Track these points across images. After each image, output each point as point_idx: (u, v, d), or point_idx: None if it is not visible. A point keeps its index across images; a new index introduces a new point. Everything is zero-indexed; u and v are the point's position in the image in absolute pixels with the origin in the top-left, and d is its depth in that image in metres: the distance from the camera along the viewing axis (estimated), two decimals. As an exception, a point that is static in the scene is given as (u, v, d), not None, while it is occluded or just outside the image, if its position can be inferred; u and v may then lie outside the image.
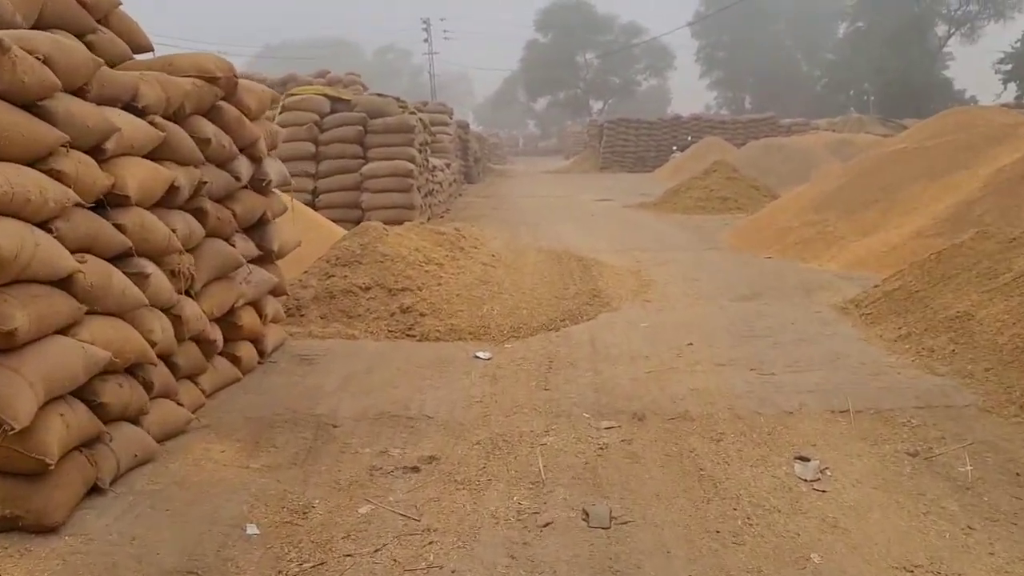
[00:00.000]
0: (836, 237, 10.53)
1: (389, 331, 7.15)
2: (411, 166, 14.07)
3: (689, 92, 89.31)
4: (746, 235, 12.47)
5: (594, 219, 16.73)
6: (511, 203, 21.63)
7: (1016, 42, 56.78)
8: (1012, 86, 57.23)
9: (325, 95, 14.77)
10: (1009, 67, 56.93)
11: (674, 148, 37.25)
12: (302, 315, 7.39)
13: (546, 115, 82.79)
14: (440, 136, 24.80)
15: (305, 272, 7.86)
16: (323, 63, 32.86)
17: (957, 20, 61.19)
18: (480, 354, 6.53)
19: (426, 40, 63.92)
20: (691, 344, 6.69)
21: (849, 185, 11.50)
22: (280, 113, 14.53)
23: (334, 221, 13.54)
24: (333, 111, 14.55)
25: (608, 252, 11.58)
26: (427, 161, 16.53)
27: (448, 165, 21.19)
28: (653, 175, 32.74)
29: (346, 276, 7.61)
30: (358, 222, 14.34)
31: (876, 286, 7.70)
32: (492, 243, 10.20)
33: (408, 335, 7.09)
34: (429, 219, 16.43)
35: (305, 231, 9.29)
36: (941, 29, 62.24)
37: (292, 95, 14.72)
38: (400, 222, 11.92)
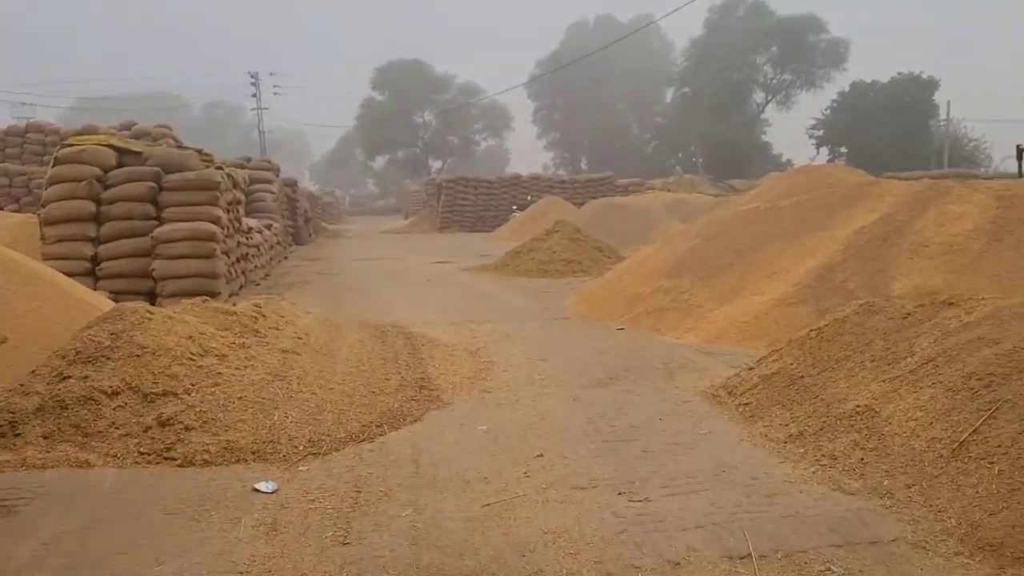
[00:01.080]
0: (693, 305, 9.52)
1: (140, 453, 5.28)
2: (214, 228, 12.12)
3: (527, 152, 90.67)
4: (594, 302, 11.33)
5: (429, 285, 15.24)
6: (340, 267, 19.83)
7: (826, 109, 61.03)
8: (824, 150, 61.31)
9: (111, 146, 12.60)
10: (820, 132, 61.01)
11: (514, 207, 36.62)
12: (17, 435, 5.38)
13: (385, 174, 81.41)
14: (261, 194, 22.74)
15: (32, 372, 5.86)
16: (144, 117, 30.11)
17: (773, 88, 65.19)
18: (261, 486, 4.80)
19: (255, 95, 61.13)
20: (541, 456, 5.24)
21: (702, 248, 10.61)
22: (52, 167, 12.25)
23: (119, 295, 11.39)
24: (120, 164, 12.43)
25: (443, 325, 10.08)
26: (238, 222, 14.56)
27: (269, 226, 19.19)
28: (493, 235, 31.80)
29: (87, 377, 5.67)
30: (152, 295, 12.28)
31: (751, 368, 6.57)
32: (302, 320, 8.46)
33: (166, 458, 5.24)
34: (242, 287, 14.41)
35: (51, 312, 7.24)
36: (759, 96, 66.09)
37: (68, 145, 12.46)
38: (201, 294, 9.98)
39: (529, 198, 36.56)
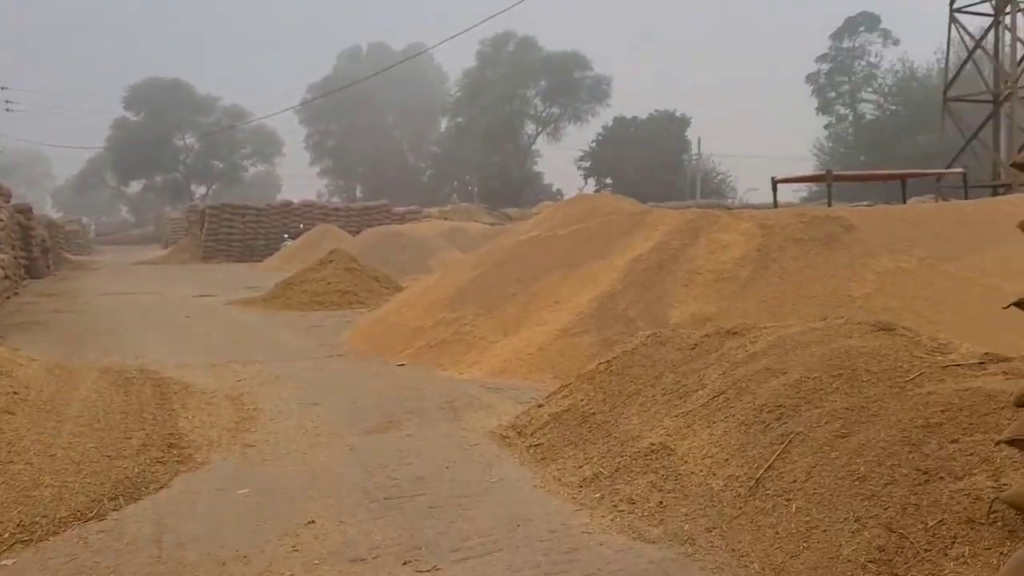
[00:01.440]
0: (476, 337, 9.13)
1: None
2: (-86, 260, 10.16)
3: (300, 179, 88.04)
4: (372, 336, 10.67)
5: (189, 322, 13.83)
6: (84, 303, 17.68)
7: (592, 142, 64.40)
8: (591, 180, 64.54)
9: None
10: (588, 164, 64.21)
11: (285, 236, 35.04)
12: None
13: (141, 200, 75.64)
14: (-13, 221, 19.93)
15: None
16: None
17: (543, 121, 67.83)
18: (-58, 596, 3.72)
19: (-21, 111, 54.45)
20: (313, 522, 4.54)
21: (484, 278, 10.29)
22: None
23: None
24: None
25: (201, 368, 8.99)
26: (-49, 253, 12.43)
27: (-5, 257, 16.76)
28: (263, 265, 30.14)
29: None
30: None
31: (540, 405, 6.22)
32: (23, 369, 7.11)
33: None
34: (-44, 329, 12.29)
35: None
36: (530, 128, 68.49)
37: None
38: None
39: (301, 226, 35.16)
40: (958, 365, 4.58)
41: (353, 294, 15.72)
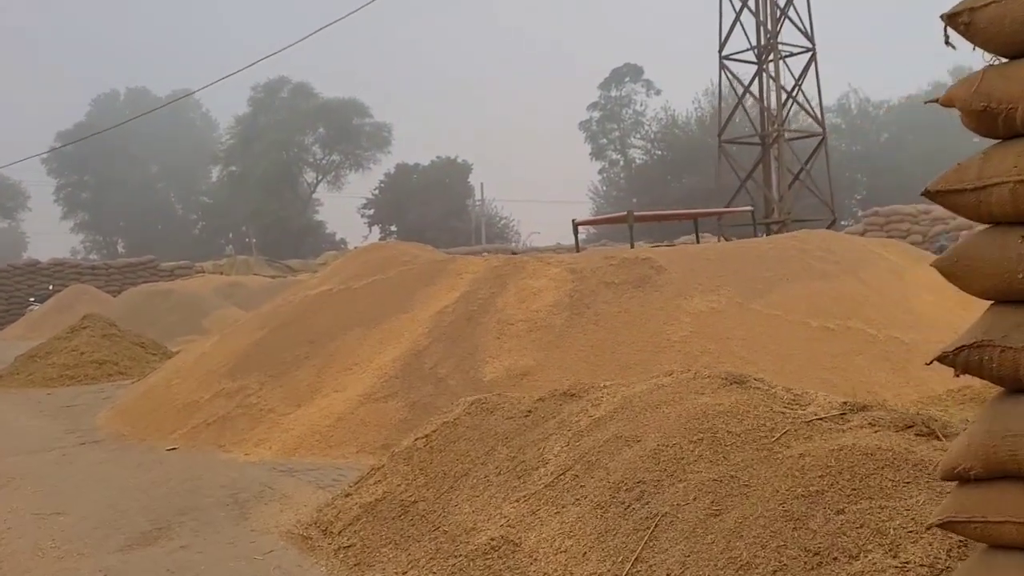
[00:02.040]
0: (263, 410, 7.92)
1: None
2: None
3: (50, 235, 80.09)
4: (136, 415, 9.09)
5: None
6: None
7: (375, 189, 63.49)
8: (376, 228, 63.53)
9: None
10: (372, 212, 63.17)
11: (31, 299, 31.09)
12: None
13: None
14: None
15: None
16: None
17: (323, 168, 66.13)
18: None
19: None
20: None
21: (270, 339, 9.08)
22: None
23: None
24: None
25: (-96, 476, 7.10)
26: None
27: None
28: (4, 334, 26.42)
29: None
30: None
31: (348, 494, 5.21)
32: None
33: None
34: None
35: None
36: (310, 176, 66.52)
37: None
38: None
39: (51, 287, 31.35)
40: (821, 419, 4.15)
41: (112, 364, 13.74)
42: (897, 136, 54.47)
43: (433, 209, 61.14)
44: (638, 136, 61.88)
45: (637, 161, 61.29)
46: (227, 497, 6.04)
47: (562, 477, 4.15)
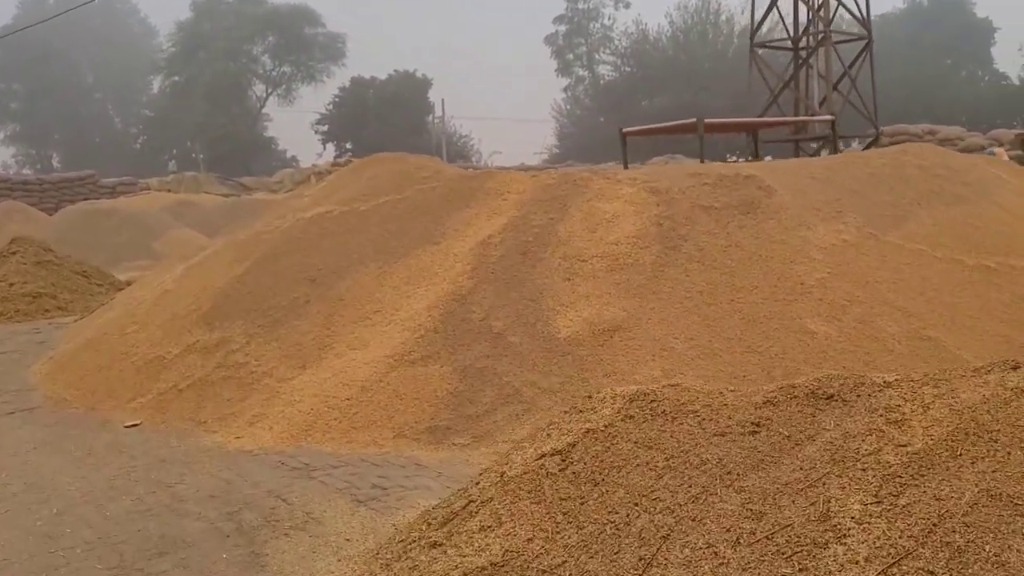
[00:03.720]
0: (257, 373, 5.96)
1: None
2: None
3: (-21, 148, 75.32)
4: (82, 372, 7.05)
5: None
6: None
7: (329, 105, 59.94)
8: (331, 145, 60.29)
9: None
10: (326, 128, 59.79)
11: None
12: None
13: None
14: None
15: None
16: None
17: (274, 81, 62.24)
18: None
19: None
20: None
21: (254, 277, 7.03)
22: None
23: None
24: None
25: None
26: None
27: None
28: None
29: None
30: None
31: (431, 541, 3.33)
32: None
33: None
34: None
35: None
36: (260, 89, 62.64)
37: None
38: None
39: (-21, 205, 28.30)
40: None
41: (49, 297, 11.52)
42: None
43: (391, 126, 58.05)
44: (607, 51, 59.18)
45: (606, 78, 58.73)
46: (223, 518, 4.14)
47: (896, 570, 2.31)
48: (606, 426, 3.17)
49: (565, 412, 3.44)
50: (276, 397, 5.69)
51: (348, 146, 60.49)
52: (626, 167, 11.94)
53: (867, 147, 13.64)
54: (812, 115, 13.20)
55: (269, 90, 62.80)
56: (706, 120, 9.95)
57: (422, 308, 6.02)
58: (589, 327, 5.53)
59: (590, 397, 3.40)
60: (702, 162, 10.03)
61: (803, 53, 14.09)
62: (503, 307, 5.85)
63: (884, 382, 2.79)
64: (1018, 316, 5.72)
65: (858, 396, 2.78)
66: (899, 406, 2.65)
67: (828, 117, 12.17)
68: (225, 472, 4.82)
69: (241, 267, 7.31)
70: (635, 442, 3.03)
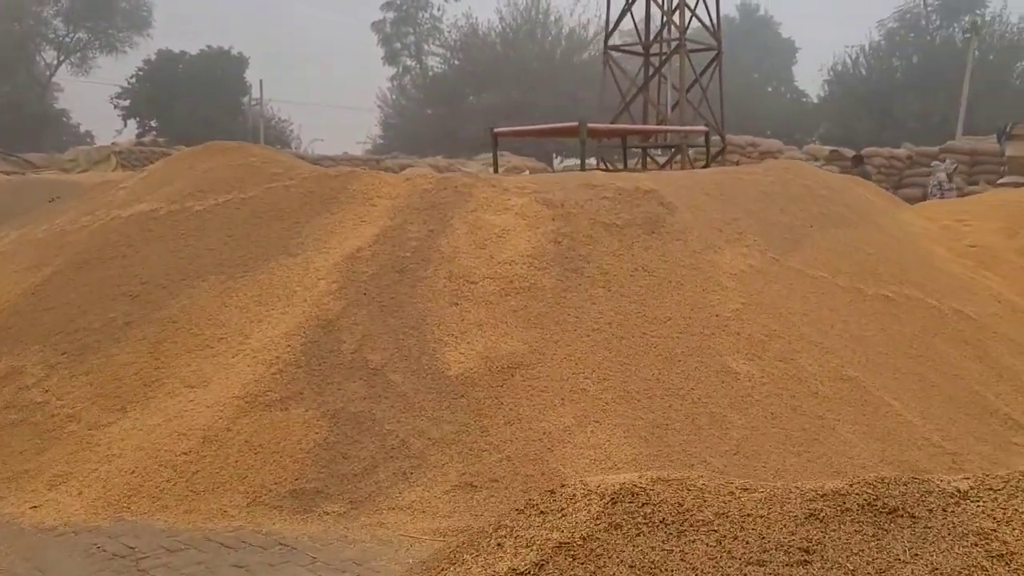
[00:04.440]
0: (61, 418, 4.69)
1: None
2: None
3: None
4: None
5: None
6: None
7: (131, 78, 55.12)
8: (132, 122, 55.51)
9: None
10: (127, 103, 54.98)
11: None
12: None
13: None
14: None
15: None
16: None
17: (66, 47, 56.47)
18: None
19: None
20: None
21: (57, 288, 5.64)
22: None
23: None
24: None
25: None
26: None
27: None
28: None
29: None
30: None
31: None
32: None
33: None
34: None
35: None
36: (49, 55, 56.66)
37: None
38: None
39: None
40: None
41: None
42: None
43: (203, 105, 54.26)
44: (436, 43, 58.29)
45: (437, 69, 57.85)
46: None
47: None
48: (584, 538, 2.38)
49: (518, 511, 2.61)
50: (88, 450, 4.46)
51: (153, 124, 56.03)
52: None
53: (714, 157, 13.63)
54: (663, 123, 13.06)
55: (61, 57, 56.95)
56: (589, 125, 9.38)
57: (278, 335, 4.97)
58: (485, 363, 4.72)
59: (552, 492, 2.59)
60: (583, 169, 9.44)
61: (655, 60, 13.94)
62: (380, 336, 4.92)
63: (958, 491, 2.19)
64: (924, 352, 5.49)
65: (929, 511, 2.16)
66: (993, 530, 2.04)
67: (701, 128, 12.01)
68: (17, 564, 3.61)
69: (39, 275, 5.88)
70: (631, 566, 2.26)
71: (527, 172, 34.35)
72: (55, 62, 57.21)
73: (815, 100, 54.26)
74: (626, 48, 14.26)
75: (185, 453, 4.33)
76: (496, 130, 10.41)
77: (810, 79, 73.68)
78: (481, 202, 5.88)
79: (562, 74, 54.24)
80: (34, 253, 6.28)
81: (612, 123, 13.26)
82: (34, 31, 54.49)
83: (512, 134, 12.33)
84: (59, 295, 5.62)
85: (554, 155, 55.40)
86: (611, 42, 14.52)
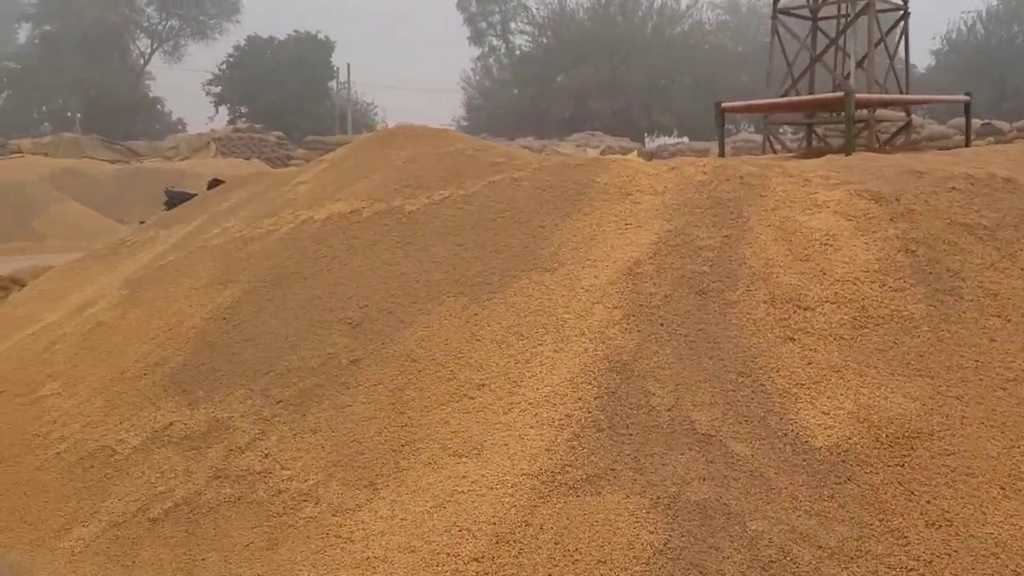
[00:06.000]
0: (291, 495, 3.55)
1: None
2: None
3: None
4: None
5: None
6: None
7: (222, 64, 55.33)
8: (223, 109, 55.79)
9: None
10: (218, 89, 55.23)
11: None
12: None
13: None
14: None
15: None
16: None
17: (159, 35, 57.02)
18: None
19: None
20: None
21: (254, 310, 4.53)
22: None
23: None
24: None
25: None
26: None
27: None
28: None
29: None
30: None
31: None
32: None
33: None
34: None
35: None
36: (143, 44, 57.31)
37: None
38: None
39: None
40: None
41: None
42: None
43: (290, 91, 54.11)
44: (523, 21, 56.82)
45: (524, 48, 56.45)
46: None
47: None
48: None
49: None
50: (337, 547, 3.31)
51: (243, 109, 56.25)
52: (722, 153, 9.83)
53: (895, 135, 11.96)
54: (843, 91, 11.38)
55: (154, 45, 57.56)
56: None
57: (560, 382, 3.73)
58: (865, 429, 3.39)
59: None
60: (856, 151, 7.91)
61: (823, 24, 12.30)
62: (700, 386, 3.64)
63: None
64: None
65: None
66: None
67: (962, 97, 10.37)
68: None
69: (226, 294, 4.78)
70: None
71: (634, 154, 32.73)
72: (148, 50, 57.81)
73: (922, 71, 50.97)
74: (795, 12, 12.62)
75: (476, 559, 3.13)
76: (725, 105, 8.97)
77: (916, 48, 69.56)
78: (782, 198, 4.53)
79: (654, 49, 52.26)
80: (213, 265, 5.19)
81: (782, 96, 11.69)
82: (129, 20, 55.07)
83: (744, 109, 10.81)
84: (257, 321, 4.50)
85: (645, 134, 53.59)
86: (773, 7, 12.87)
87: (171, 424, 4.02)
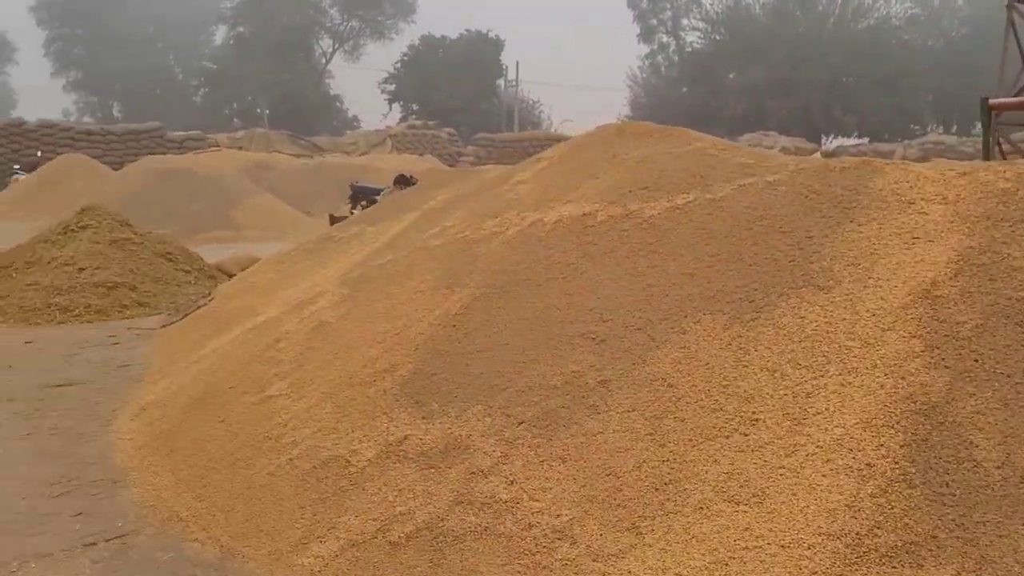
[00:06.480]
0: (544, 532, 3.20)
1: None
2: None
3: (41, 93, 74.16)
4: (197, 464, 4.38)
5: None
6: None
7: (397, 63, 57.18)
8: (397, 107, 57.64)
9: None
10: (393, 87, 57.11)
11: (15, 168, 25.91)
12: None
13: None
14: None
15: None
16: None
17: (340, 35, 59.62)
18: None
19: None
20: None
21: (486, 319, 4.24)
22: None
23: None
24: None
25: None
26: None
27: None
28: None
29: None
30: None
31: None
32: None
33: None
34: None
35: None
36: (326, 43, 60.10)
37: None
38: None
39: (39, 154, 26.14)
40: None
41: (128, 289, 8.96)
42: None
43: (462, 88, 55.18)
44: (695, 16, 55.30)
45: (695, 45, 54.96)
46: None
47: None
48: None
49: None
50: (607, 594, 2.92)
51: (415, 107, 57.85)
52: (987, 156, 8.91)
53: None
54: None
55: (336, 45, 60.20)
56: None
57: (855, 423, 3.19)
58: None
59: None
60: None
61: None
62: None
63: None
64: None
65: None
66: None
67: None
68: None
69: (453, 300, 4.53)
70: None
71: (817, 155, 30.95)
72: (331, 50, 60.47)
73: None
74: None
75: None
76: (992, 101, 8.00)
77: None
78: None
79: (837, 45, 49.48)
80: (437, 267, 4.97)
81: (1015, 94, 10.40)
82: (313, 21, 57.81)
83: (1018, 106, 9.67)
84: (489, 330, 4.21)
85: (822, 135, 50.86)
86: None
87: (406, 438, 3.78)
